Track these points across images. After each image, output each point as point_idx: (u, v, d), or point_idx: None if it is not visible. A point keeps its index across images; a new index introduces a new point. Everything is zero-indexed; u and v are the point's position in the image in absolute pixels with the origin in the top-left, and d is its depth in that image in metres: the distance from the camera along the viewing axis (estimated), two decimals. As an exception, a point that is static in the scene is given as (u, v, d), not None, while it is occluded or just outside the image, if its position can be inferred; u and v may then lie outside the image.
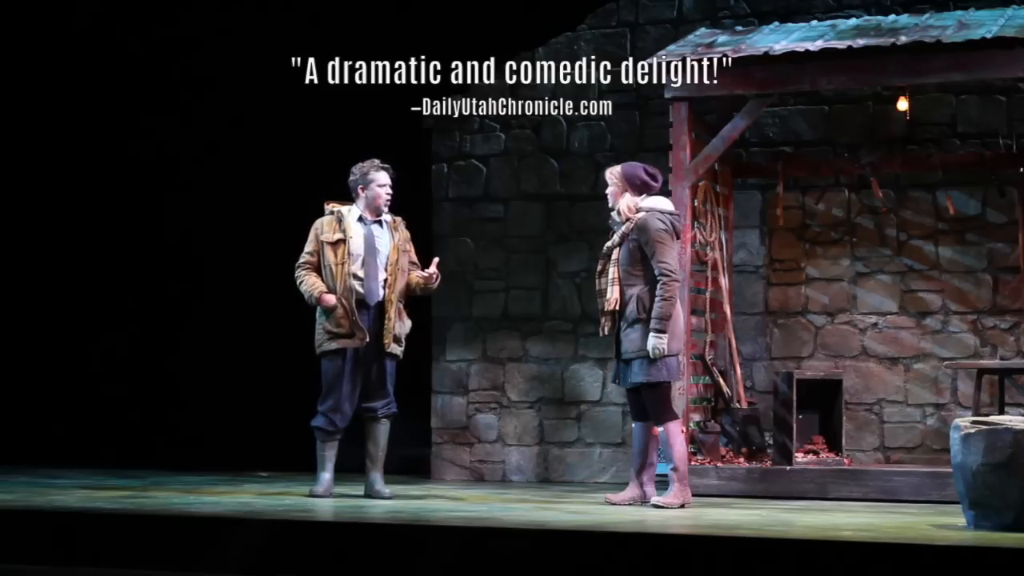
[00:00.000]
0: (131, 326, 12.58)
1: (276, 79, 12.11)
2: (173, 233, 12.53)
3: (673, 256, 8.31)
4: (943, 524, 7.18)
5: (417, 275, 8.92)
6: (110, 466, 11.22)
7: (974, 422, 6.97)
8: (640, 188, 8.42)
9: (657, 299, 8.22)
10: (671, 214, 8.43)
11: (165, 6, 12.40)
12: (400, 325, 8.83)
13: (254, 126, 12.07)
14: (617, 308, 8.37)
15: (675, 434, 8.32)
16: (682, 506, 8.23)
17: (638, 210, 8.38)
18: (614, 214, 8.48)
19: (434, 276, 8.90)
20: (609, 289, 8.38)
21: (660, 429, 8.32)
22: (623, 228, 8.39)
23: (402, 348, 8.87)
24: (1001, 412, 9.32)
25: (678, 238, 8.51)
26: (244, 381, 12.02)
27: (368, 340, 8.69)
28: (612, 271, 8.38)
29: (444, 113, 11.43)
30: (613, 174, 8.53)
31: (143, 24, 12.51)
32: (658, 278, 8.23)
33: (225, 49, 12.17)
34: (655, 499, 8.32)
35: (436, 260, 8.96)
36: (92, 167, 12.72)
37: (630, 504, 8.39)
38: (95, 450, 11.76)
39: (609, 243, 8.45)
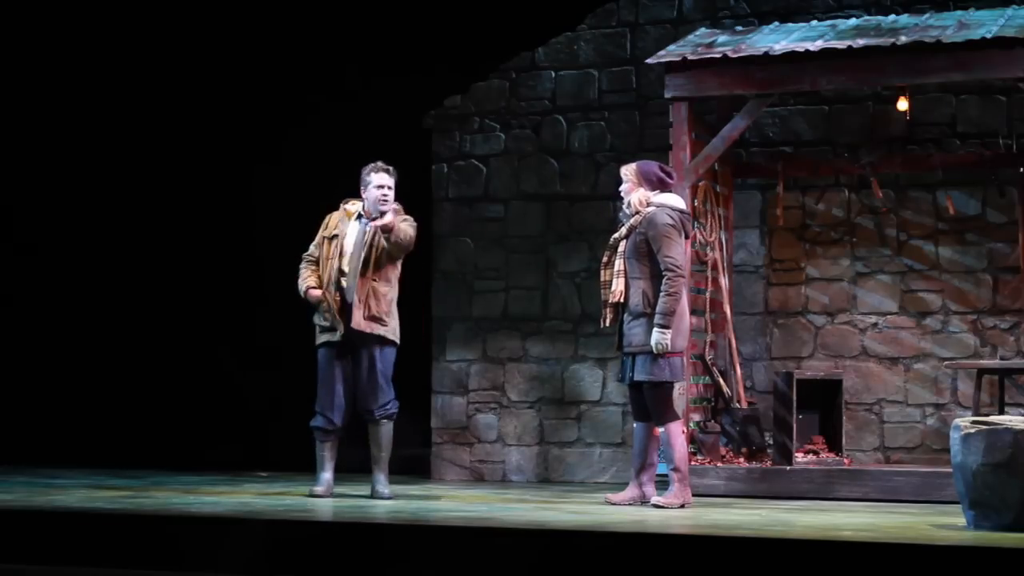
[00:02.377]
0: (131, 326, 12.58)
1: (276, 79, 12.14)
2: (176, 234, 12.52)
3: (679, 252, 8.30)
4: (943, 524, 7.17)
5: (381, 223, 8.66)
6: (110, 466, 11.22)
7: (974, 422, 6.97)
8: (655, 184, 8.42)
9: (662, 294, 8.21)
10: (681, 211, 8.43)
11: (170, 10, 12.42)
12: (375, 304, 8.65)
13: (254, 127, 12.07)
14: (621, 300, 8.36)
15: (676, 435, 8.31)
16: (682, 506, 8.23)
17: (649, 204, 8.38)
18: (625, 207, 8.48)
19: (384, 225, 8.66)
20: (614, 281, 8.37)
21: (661, 429, 8.32)
22: (631, 220, 8.39)
23: (386, 329, 8.71)
24: (1001, 412, 9.32)
25: (687, 236, 8.50)
26: (244, 381, 12.02)
27: (355, 338, 8.69)
28: (618, 263, 8.38)
29: (444, 113, 11.47)
30: (628, 170, 8.52)
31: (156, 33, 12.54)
32: (663, 273, 8.22)
33: (225, 49, 12.18)
34: (655, 499, 8.32)
35: (386, 218, 8.69)
36: (97, 168, 12.72)
37: (630, 504, 8.39)
38: (95, 450, 11.75)
39: (616, 235, 8.45)
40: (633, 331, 8.30)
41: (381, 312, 8.71)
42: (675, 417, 8.36)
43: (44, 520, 7.28)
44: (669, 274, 8.22)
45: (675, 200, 8.47)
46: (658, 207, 8.36)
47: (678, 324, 8.28)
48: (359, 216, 8.84)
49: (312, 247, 8.93)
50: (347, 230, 8.80)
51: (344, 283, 8.74)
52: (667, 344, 8.18)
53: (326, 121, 11.82)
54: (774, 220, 10.48)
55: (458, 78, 11.44)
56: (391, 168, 8.84)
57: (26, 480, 9.79)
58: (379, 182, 8.78)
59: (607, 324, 8.49)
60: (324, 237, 8.86)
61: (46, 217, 12.83)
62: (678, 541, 6.44)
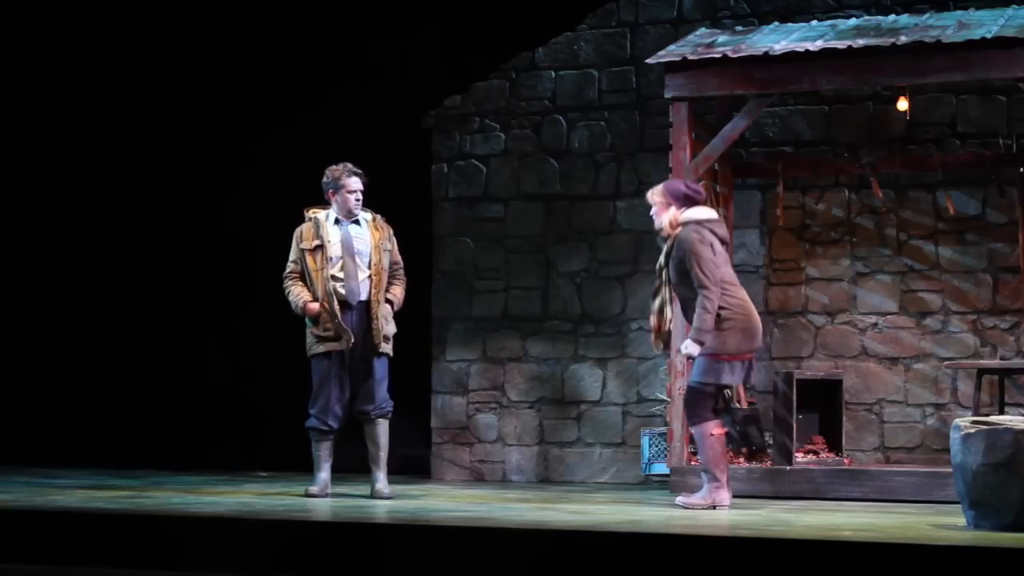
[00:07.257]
0: (131, 326, 12.58)
1: (275, 79, 12.15)
2: (175, 236, 12.52)
3: (709, 267, 8.15)
4: (943, 524, 7.17)
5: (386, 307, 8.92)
6: (110, 466, 11.22)
7: (974, 422, 6.97)
8: (683, 201, 8.30)
9: (697, 309, 8.18)
10: (709, 221, 8.33)
11: (168, 7, 12.42)
12: (387, 325, 8.86)
13: (252, 126, 12.06)
14: (670, 328, 8.47)
15: (705, 436, 8.22)
16: (713, 507, 8.15)
17: (677, 224, 8.31)
18: (657, 229, 8.42)
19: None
20: (666, 308, 8.38)
21: (692, 429, 8.36)
22: (666, 245, 8.35)
23: (390, 345, 8.89)
24: (1001, 412, 9.32)
25: (724, 244, 8.38)
26: (244, 381, 12.02)
27: (354, 341, 8.72)
28: (665, 291, 8.38)
29: (444, 113, 11.47)
30: (655, 192, 8.40)
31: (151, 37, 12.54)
32: (698, 290, 8.18)
33: (223, 47, 12.18)
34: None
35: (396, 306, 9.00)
36: (98, 167, 12.72)
37: (712, 508, 8.27)
38: (95, 450, 11.76)
39: (659, 263, 8.42)
40: None
41: (389, 332, 8.86)
42: (702, 420, 8.26)
43: (44, 520, 7.28)
44: (702, 291, 8.17)
45: (702, 212, 8.35)
46: (685, 225, 8.30)
47: (743, 326, 8.20)
48: (337, 220, 8.87)
49: (290, 263, 8.92)
50: (330, 237, 8.83)
51: (341, 290, 8.76)
52: (692, 352, 8.19)
53: (326, 121, 11.82)
54: (774, 220, 10.48)
55: (458, 78, 11.44)
56: (361, 171, 8.92)
57: (26, 480, 9.79)
58: (352, 187, 8.87)
59: (660, 351, 8.73)
60: (304, 250, 8.85)
61: (45, 217, 12.83)
62: (678, 541, 6.44)
